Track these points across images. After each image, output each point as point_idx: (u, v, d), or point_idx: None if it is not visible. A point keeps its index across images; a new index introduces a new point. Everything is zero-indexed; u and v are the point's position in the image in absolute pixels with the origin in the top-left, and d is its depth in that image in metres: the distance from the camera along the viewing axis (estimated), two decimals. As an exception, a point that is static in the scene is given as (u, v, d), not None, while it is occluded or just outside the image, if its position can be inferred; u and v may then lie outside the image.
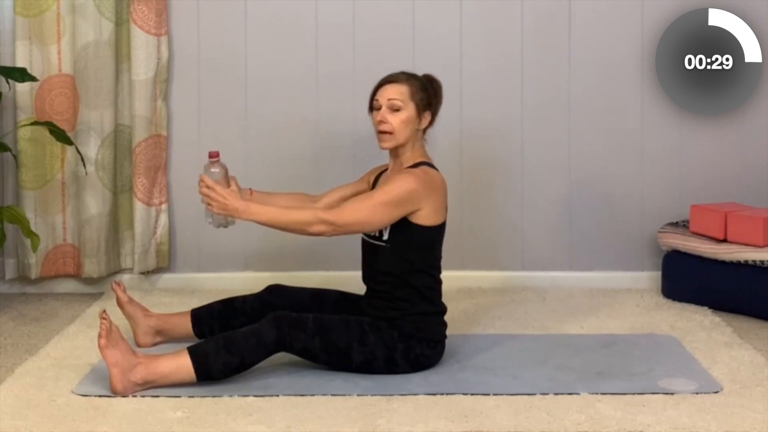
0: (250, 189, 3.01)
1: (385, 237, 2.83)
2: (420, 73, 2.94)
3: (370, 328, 2.78)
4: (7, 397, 2.62)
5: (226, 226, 2.87)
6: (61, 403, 2.57)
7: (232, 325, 2.93)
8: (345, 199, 3.01)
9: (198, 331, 3.03)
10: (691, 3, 3.78)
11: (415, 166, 2.85)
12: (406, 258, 2.82)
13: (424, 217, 2.80)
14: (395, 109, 2.84)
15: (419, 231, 2.81)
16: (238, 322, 2.93)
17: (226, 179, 2.86)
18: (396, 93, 2.85)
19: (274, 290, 3.05)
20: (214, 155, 2.85)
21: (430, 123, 2.92)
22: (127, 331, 3.01)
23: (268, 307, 2.95)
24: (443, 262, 2.93)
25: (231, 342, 2.67)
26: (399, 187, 2.77)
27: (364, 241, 2.94)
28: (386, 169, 3.04)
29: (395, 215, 2.77)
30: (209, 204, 2.78)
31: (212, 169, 2.84)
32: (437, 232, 2.86)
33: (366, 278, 2.97)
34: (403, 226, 2.80)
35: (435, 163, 2.93)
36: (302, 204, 3.03)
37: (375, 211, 2.76)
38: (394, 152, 2.91)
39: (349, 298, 3.07)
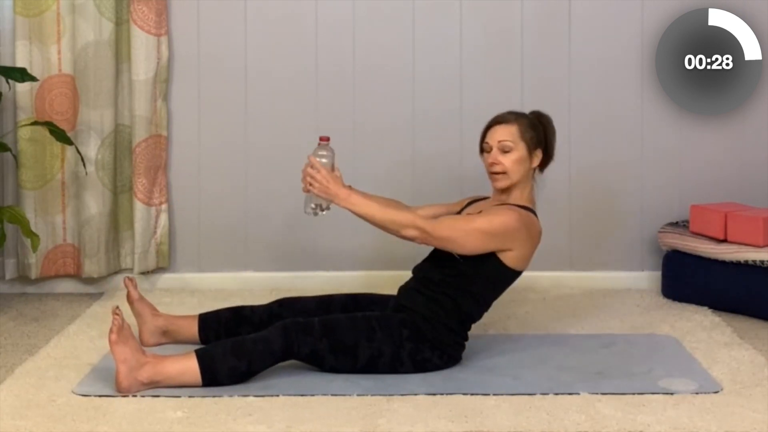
0: (350, 186, 2.93)
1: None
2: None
3: (378, 324, 2.77)
4: (7, 397, 2.62)
5: (323, 210, 2.82)
6: (61, 403, 2.56)
7: (238, 334, 2.92)
8: (437, 216, 3.00)
9: (204, 336, 3.02)
10: (691, 3, 3.78)
11: (521, 208, 2.87)
12: (470, 281, 2.83)
13: (510, 258, 2.82)
14: (506, 151, 2.87)
15: (497, 266, 2.82)
16: (245, 332, 2.92)
17: (333, 165, 2.83)
18: (506, 134, 2.88)
19: (283, 303, 3.04)
20: (324, 138, 2.81)
21: (545, 160, 2.95)
22: (133, 329, 3.00)
23: (277, 318, 2.94)
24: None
25: (239, 347, 2.67)
26: (501, 221, 2.78)
27: (436, 250, 2.92)
28: (481, 199, 3.06)
29: (487, 246, 2.78)
30: (311, 184, 2.76)
31: (320, 152, 2.80)
32: (512, 277, 2.88)
33: (419, 272, 2.96)
34: (485, 254, 2.80)
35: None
36: (398, 208, 3.01)
37: (470, 235, 2.76)
38: (506, 190, 2.92)
39: (358, 299, 3.06)
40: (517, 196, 2.91)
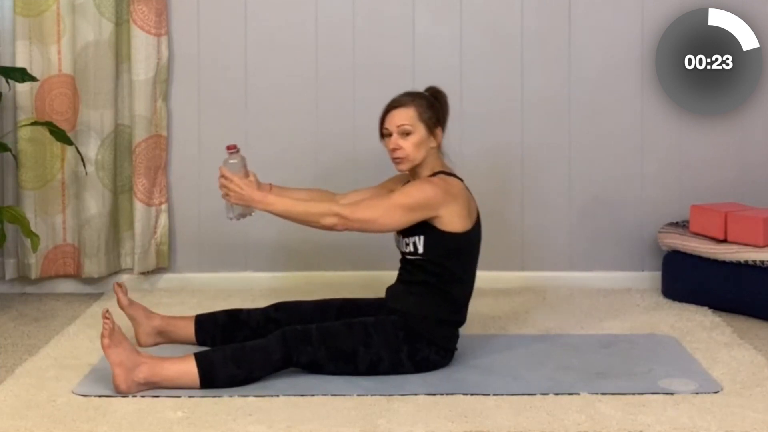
0: (270, 184, 3.02)
1: (421, 251, 2.83)
2: (422, 87, 2.96)
3: (374, 329, 2.78)
4: (7, 397, 2.62)
5: (244, 217, 2.89)
6: (61, 403, 2.57)
7: (235, 337, 2.93)
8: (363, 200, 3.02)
9: (200, 338, 3.02)
10: (691, 3, 3.78)
11: (433, 175, 2.87)
12: (444, 267, 2.83)
13: (449, 224, 2.80)
14: (406, 134, 2.86)
15: (450, 238, 2.81)
16: (242, 335, 2.93)
17: (245, 171, 2.90)
18: (404, 118, 2.86)
19: (280, 307, 3.04)
20: (232, 147, 2.87)
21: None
22: (129, 330, 3.00)
23: (273, 323, 2.95)
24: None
25: (239, 355, 2.68)
26: (416, 193, 2.79)
27: (403, 258, 2.93)
28: (408, 181, 3.05)
29: (409, 219, 2.79)
30: (227, 195, 2.82)
31: (230, 161, 2.86)
32: (468, 238, 2.86)
33: (401, 275, 2.95)
34: (435, 237, 2.80)
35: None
36: (321, 199, 3.03)
37: (390, 212, 2.78)
38: (412, 170, 2.92)
39: (355, 303, 3.05)
40: (426, 171, 2.90)
